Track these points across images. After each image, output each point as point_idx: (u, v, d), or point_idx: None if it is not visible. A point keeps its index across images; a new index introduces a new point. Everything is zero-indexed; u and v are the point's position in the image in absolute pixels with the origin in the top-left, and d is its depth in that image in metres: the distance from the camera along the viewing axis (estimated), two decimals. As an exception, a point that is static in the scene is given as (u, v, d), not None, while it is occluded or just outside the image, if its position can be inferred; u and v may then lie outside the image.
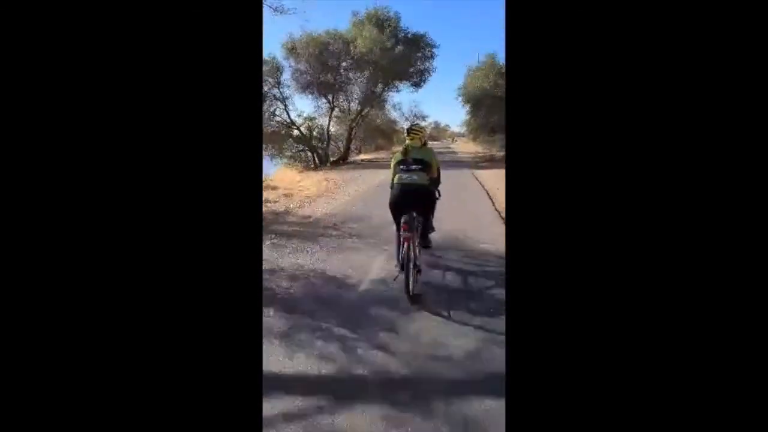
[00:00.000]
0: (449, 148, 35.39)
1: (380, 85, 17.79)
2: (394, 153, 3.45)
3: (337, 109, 18.34)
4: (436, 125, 70.67)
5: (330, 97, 17.38)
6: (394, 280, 3.09)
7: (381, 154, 21.97)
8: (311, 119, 17.50)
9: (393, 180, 3.19)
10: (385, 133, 26.44)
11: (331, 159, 17.40)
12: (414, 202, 3.06)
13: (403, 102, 41.31)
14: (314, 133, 17.28)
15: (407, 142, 3.29)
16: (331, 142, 18.58)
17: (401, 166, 3.15)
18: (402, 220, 2.96)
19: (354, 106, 18.75)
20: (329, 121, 17.73)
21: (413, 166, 3.11)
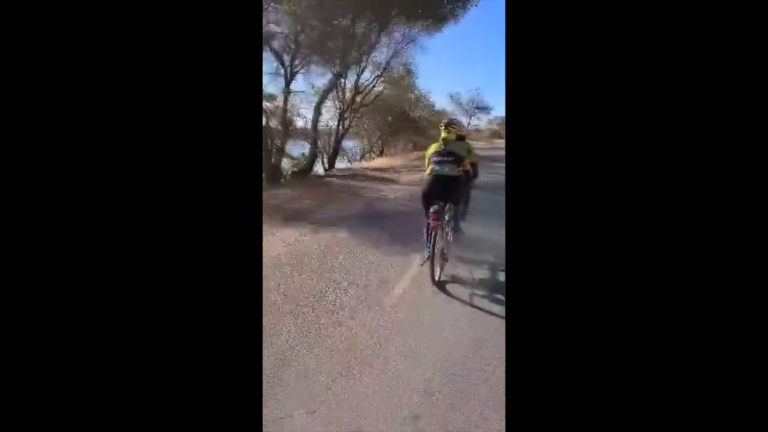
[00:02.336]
0: None
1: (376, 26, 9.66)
2: (428, 146, 3.60)
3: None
4: (503, 120, 59.48)
5: (286, 56, 9.02)
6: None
7: (412, 159, 13.89)
8: (270, 98, 9.52)
9: (426, 170, 3.34)
10: (420, 128, 18.71)
11: (293, 170, 9.85)
12: (444, 193, 3.18)
13: (461, 93, 31.97)
14: (270, 123, 9.27)
15: (443, 135, 3.41)
16: (325, 139, 11.96)
17: (435, 158, 3.28)
18: (431, 210, 3.08)
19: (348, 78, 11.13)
20: (286, 100, 9.49)
21: (446, 158, 3.22)
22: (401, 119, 16.00)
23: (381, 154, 18.05)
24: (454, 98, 32.49)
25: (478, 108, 32.61)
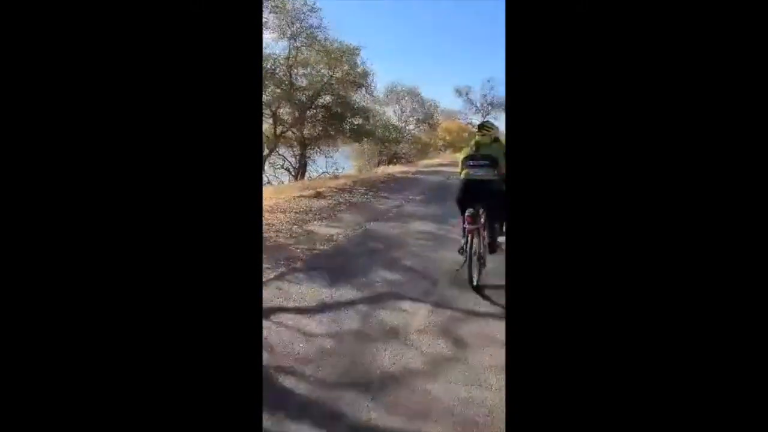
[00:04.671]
0: None
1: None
2: (462, 149, 3.68)
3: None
4: None
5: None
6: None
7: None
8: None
9: (460, 175, 3.37)
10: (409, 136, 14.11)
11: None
12: (479, 197, 3.20)
13: (473, 85, 26.79)
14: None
15: (477, 138, 3.42)
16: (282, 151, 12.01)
17: (469, 161, 3.30)
18: (467, 213, 3.13)
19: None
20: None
21: (481, 162, 3.24)
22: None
23: (393, 161, 13.65)
24: (461, 93, 26.79)
25: (492, 105, 26.65)
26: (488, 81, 28.28)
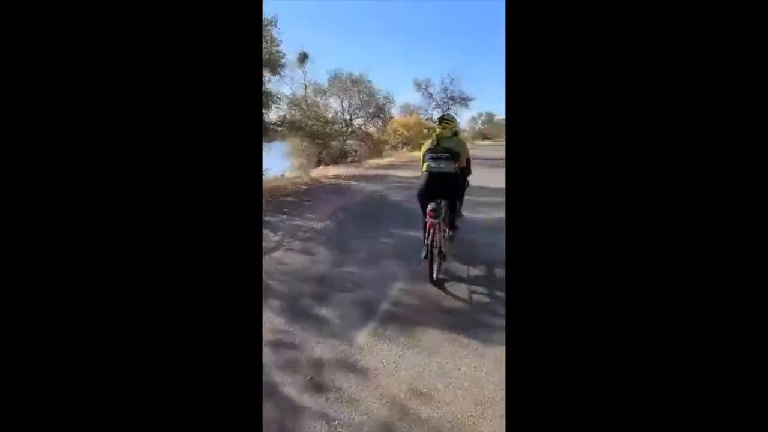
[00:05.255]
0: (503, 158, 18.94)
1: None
2: (423, 143, 3.61)
3: None
4: (489, 117, 48.65)
5: None
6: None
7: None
8: None
9: (422, 168, 3.33)
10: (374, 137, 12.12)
11: None
12: (440, 190, 3.20)
13: (432, 79, 24.61)
14: None
15: (438, 131, 3.41)
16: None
17: (430, 155, 3.27)
18: (428, 208, 3.07)
19: None
20: None
21: (442, 155, 3.23)
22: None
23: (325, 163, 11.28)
24: (421, 87, 24.48)
25: (453, 99, 24.43)
26: (448, 74, 26.23)
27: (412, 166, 13.15)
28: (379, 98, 16.52)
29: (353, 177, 9.79)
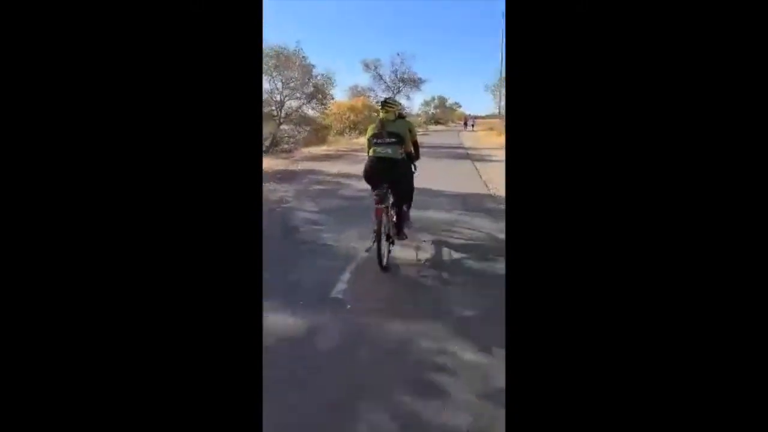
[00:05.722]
0: (460, 146, 16.92)
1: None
2: (367, 127, 3.49)
3: None
4: (441, 101, 48.21)
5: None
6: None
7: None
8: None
9: (368, 153, 3.27)
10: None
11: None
12: (387, 176, 3.14)
13: (383, 59, 22.93)
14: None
15: (382, 115, 3.32)
16: None
17: (375, 140, 3.20)
18: (374, 192, 3.05)
19: None
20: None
21: (387, 140, 3.15)
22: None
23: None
24: (369, 67, 22.70)
25: (404, 81, 22.88)
26: (398, 54, 24.58)
27: (350, 156, 11.54)
28: (317, 77, 14.63)
29: (268, 174, 7.77)
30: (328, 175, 7.97)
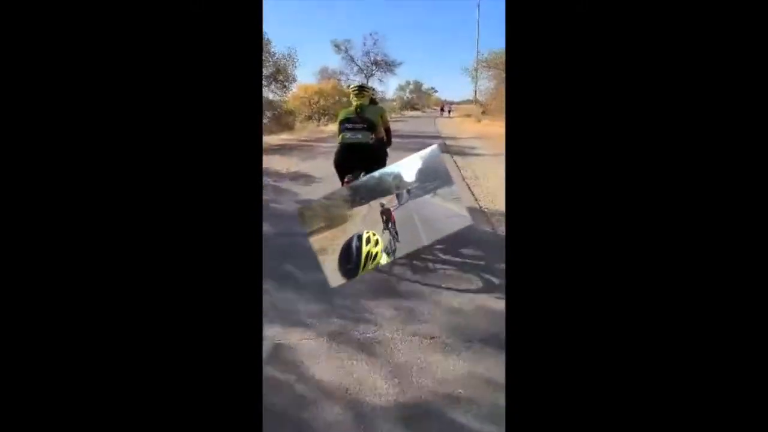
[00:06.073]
0: (438, 134, 14.61)
1: None
2: (339, 111, 3.45)
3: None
4: (417, 86, 45.96)
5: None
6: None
7: None
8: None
9: (338, 139, 3.19)
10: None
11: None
12: (358, 162, 3.02)
13: (354, 39, 21.20)
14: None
15: (354, 100, 3.25)
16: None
17: (345, 125, 3.14)
18: (345, 179, 2.96)
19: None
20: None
21: (357, 125, 3.10)
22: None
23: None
24: (340, 48, 20.91)
25: (376, 64, 21.20)
26: (371, 35, 22.90)
27: (311, 147, 9.98)
28: (277, 56, 12.94)
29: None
30: (269, 175, 6.32)
